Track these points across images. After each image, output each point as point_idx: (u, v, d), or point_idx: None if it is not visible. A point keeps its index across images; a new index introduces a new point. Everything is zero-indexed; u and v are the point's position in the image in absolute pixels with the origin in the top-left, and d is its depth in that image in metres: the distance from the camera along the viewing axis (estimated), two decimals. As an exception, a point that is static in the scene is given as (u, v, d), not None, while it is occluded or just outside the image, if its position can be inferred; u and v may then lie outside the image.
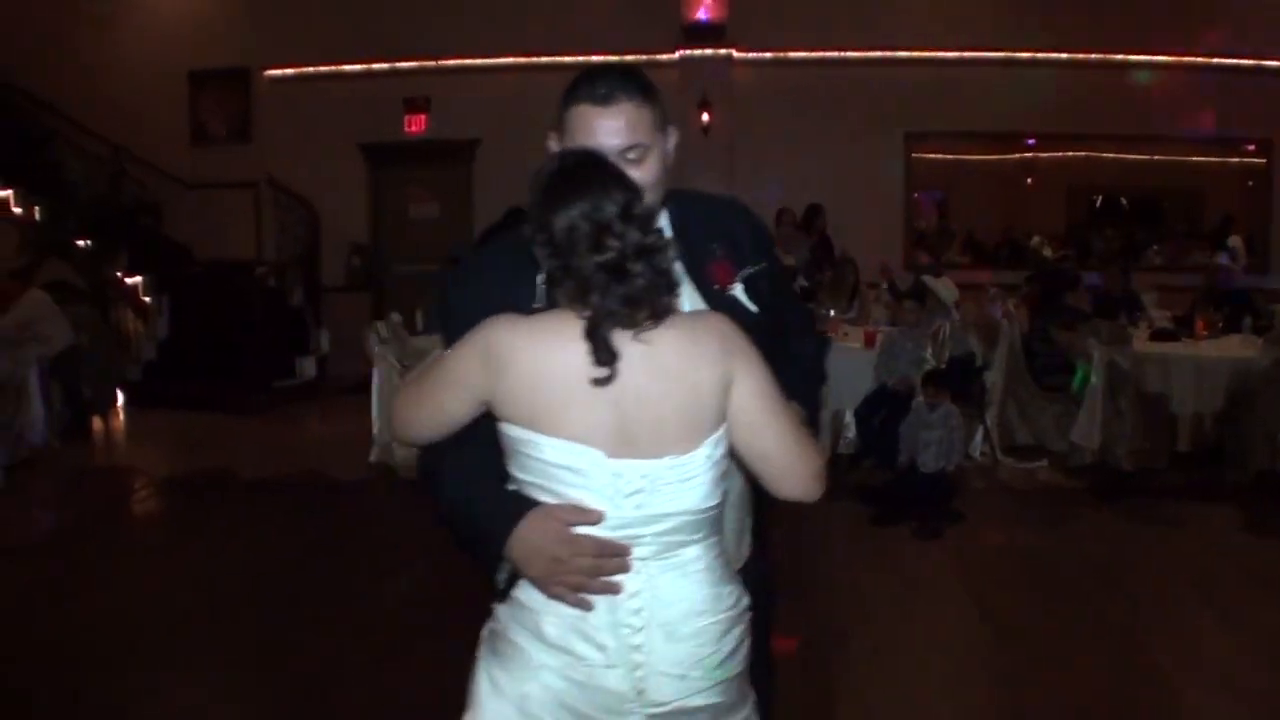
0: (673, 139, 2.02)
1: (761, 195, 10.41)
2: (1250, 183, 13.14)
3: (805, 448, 1.84)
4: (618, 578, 1.75)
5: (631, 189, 1.77)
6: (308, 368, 11.80)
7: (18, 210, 11.59)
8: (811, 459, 1.85)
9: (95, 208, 11.60)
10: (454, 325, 1.92)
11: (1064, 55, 11.83)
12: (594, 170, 1.79)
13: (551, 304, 1.82)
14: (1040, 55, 11.84)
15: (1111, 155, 13.25)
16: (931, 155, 13.22)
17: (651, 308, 1.73)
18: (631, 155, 1.91)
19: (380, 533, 6.73)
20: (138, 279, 11.91)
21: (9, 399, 8.01)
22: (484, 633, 1.89)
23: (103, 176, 11.97)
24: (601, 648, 1.75)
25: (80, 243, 11.52)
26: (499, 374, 1.75)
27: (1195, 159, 13.31)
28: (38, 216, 11.60)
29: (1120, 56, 11.85)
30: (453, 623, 4.54)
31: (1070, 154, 13.69)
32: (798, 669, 4.19)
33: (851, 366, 7.22)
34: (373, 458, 7.71)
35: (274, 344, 11.20)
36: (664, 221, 2.02)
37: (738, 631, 1.84)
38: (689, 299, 2.02)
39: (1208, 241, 12.57)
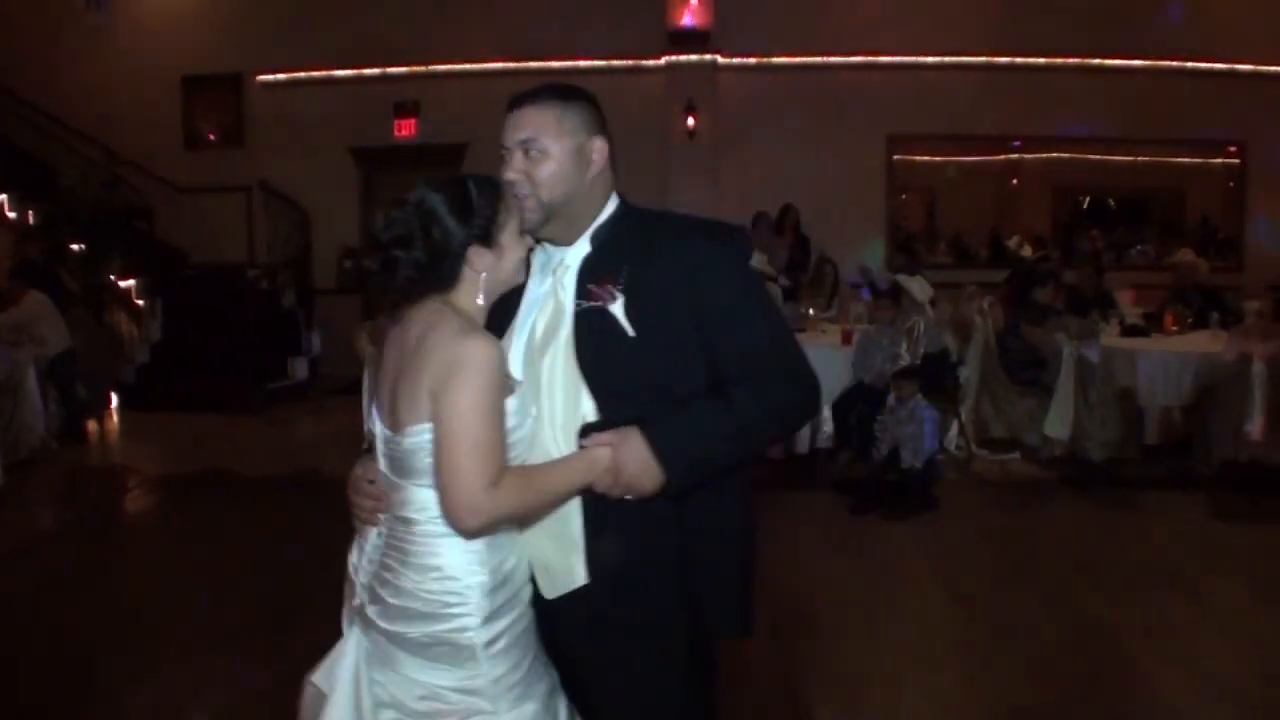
0: (596, 146, 2.17)
1: (745, 198, 10.58)
2: (1231, 184, 13.32)
3: (469, 475, 1.83)
4: (375, 529, 2.16)
5: (422, 201, 2.00)
6: (300, 369, 11.95)
7: (12, 215, 11.76)
8: (468, 489, 1.83)
9: (89, 212, 11.70)
10: None
11: (1043, 60, 12.02)
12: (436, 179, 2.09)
13: None
14: (1020, 60, 12.04)
15: (1096, 157, 13.37)
16: (915, 158, 13.37)
17: (394, 292, 2.03)
18: (532, 152, 2.13)
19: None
20: (131, 282, 12.08)
21: (7, 399, 8.15)
22: None
23: (97, 181, 12.07)
24: (357, 570, 2.21)
25: (75, 247, 11.66)
26: None
27: (1177, 160, 13.48)
28: (32, 221, 11.75)
29: (1098, 61, 12.05)
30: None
31: (1055, 155, 13.80)
32: (770, 649, 4.36)
33: (829, 364, 7.37)
34: (364, 455, 7.82)
35: (267, 345, 11.34)
36: (590, 230, 2.20)
37: (438, 589, 2.00)
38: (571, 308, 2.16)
39: (1188, 241, 12.78)
